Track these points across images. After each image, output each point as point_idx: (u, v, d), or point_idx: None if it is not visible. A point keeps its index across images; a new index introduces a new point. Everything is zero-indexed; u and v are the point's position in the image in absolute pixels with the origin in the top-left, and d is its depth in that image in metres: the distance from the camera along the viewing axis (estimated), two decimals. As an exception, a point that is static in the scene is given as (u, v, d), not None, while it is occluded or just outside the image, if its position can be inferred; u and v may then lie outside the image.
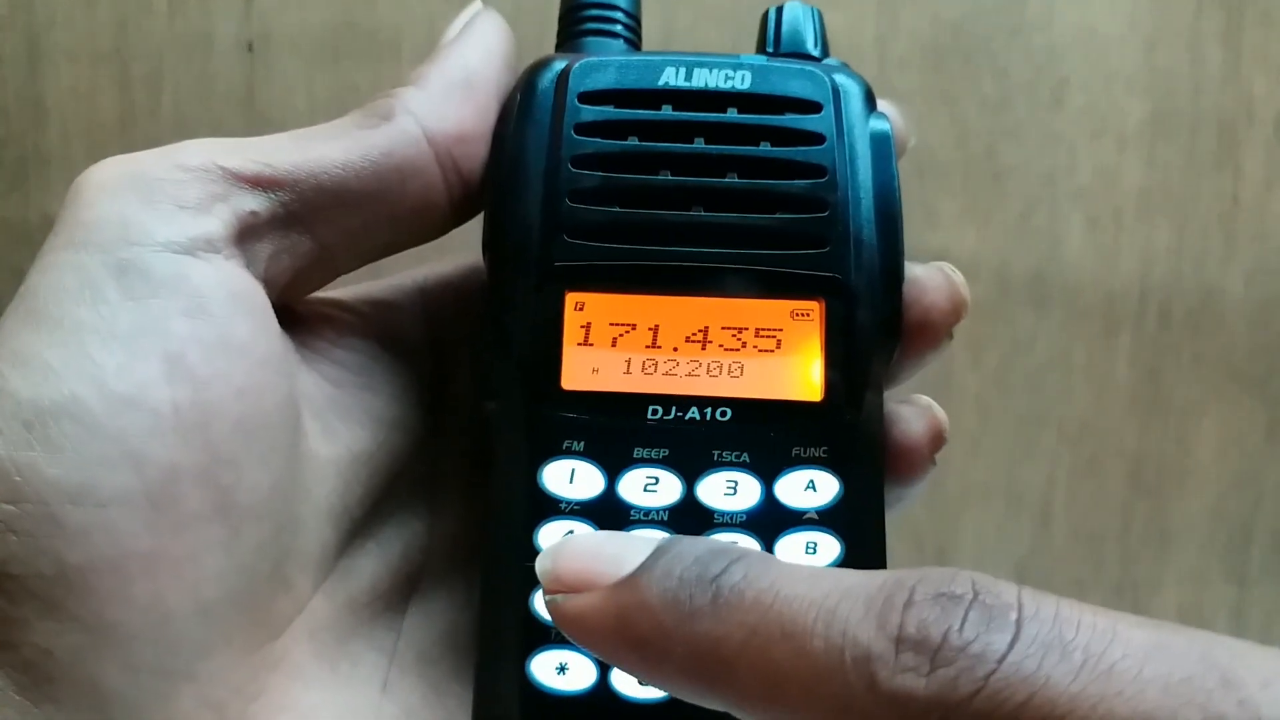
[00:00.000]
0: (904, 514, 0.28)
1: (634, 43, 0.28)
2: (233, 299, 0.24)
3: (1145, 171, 0.48)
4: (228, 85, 0.45)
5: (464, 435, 0.29)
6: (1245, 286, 0.48)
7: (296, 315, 0.27)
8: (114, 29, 0.45)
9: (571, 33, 0.28)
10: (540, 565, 0.21)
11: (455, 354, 0.29)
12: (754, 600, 0.18)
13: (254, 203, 0.24)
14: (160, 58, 0.45)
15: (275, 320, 0.25)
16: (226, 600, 0.23)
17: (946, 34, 0.47)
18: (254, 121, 0.45)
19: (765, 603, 0.18)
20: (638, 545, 0.20)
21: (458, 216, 0.27)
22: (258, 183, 0.24)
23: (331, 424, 0.26)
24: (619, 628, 0.20)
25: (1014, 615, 0.17)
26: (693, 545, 0.20)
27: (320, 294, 0.27)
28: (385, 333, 0.28)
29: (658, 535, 0.21)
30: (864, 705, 0.17)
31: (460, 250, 0.30)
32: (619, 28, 0.27)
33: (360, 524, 0.27)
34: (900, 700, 0.17)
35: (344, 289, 0.29)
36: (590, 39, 0.27)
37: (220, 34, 0.45)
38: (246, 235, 0.24)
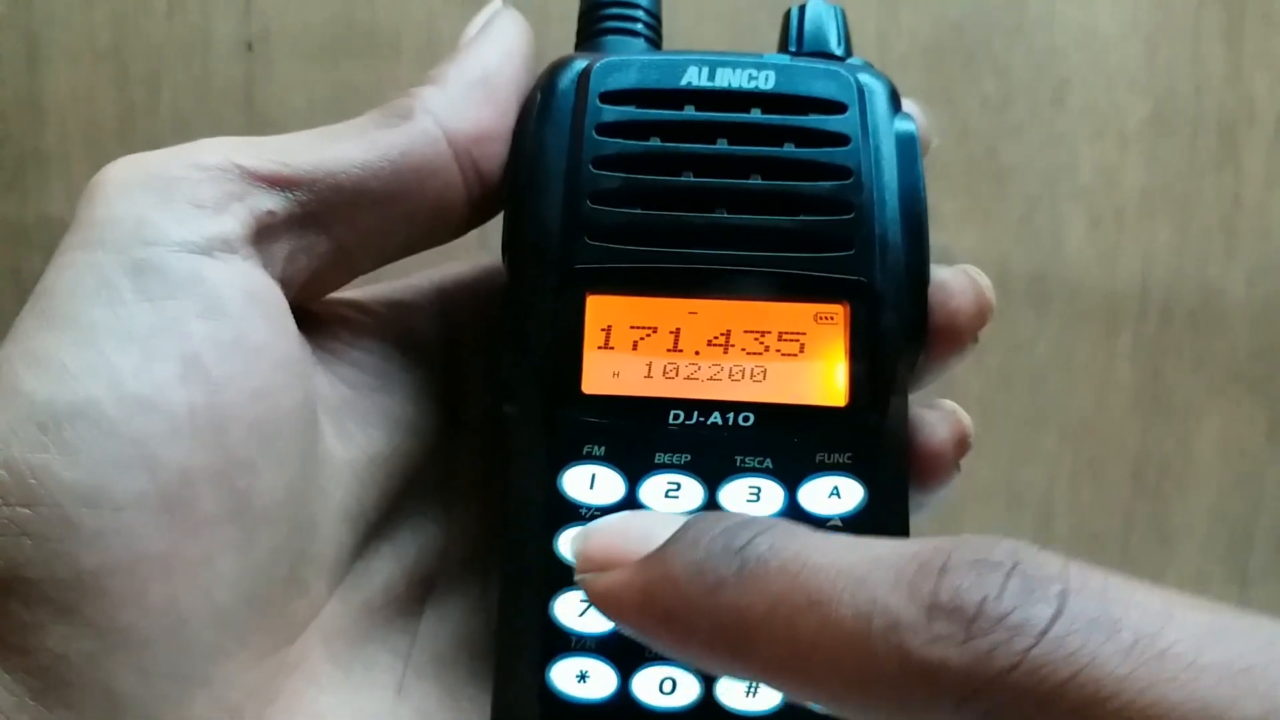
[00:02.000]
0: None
1: (654, 42, 0.28)
2: (249, 300, 0.23)
3: (1146, 171, 0.48)
4: (227, 85, 0.45)
5: (480, 437, 0.29)
6: (1247, 286, 0.48)
7: (313, 316, 0.26)
8: (113, 29, 0.44)
9: (591, 31, 0.27)
10: (573, 547, 0.21)
11: (472, 355, 0.29)
12: (779, 569, 0.18)
13: (271, 202, 0.24)
14: (159, 57, 0.45)
15: (292, 321, 0.25)
16: (241, 604, 0.23)
17: (947, 33, 0.47)
18: (253, 121, 0.45)
19: (792, 571, 0.18)
20: (665, 522, 0.20)
21: (476, 217, 0.26)
22: (275, 182, 0.24)
23: (347, 426, 0.26)
24: (645, 602, 0.19)
25: (1058, 588, 0.16)
26: (719, 518, 0.19)
27: (337, 294, 0.27)
28: (402, 334, 0.28)
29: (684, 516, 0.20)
30: (893, 676, 0.16)
31: (468, 253, 0.30)
32: (640, 26, 0.27)
33: (375, 527, 0.27)
34: (931, 671, 0.16)
35: (361, 289, 0.28)
36: (610, 38, 0.27)
37: (220, 34, 0.45)
38: (264, 235, 0.24)
